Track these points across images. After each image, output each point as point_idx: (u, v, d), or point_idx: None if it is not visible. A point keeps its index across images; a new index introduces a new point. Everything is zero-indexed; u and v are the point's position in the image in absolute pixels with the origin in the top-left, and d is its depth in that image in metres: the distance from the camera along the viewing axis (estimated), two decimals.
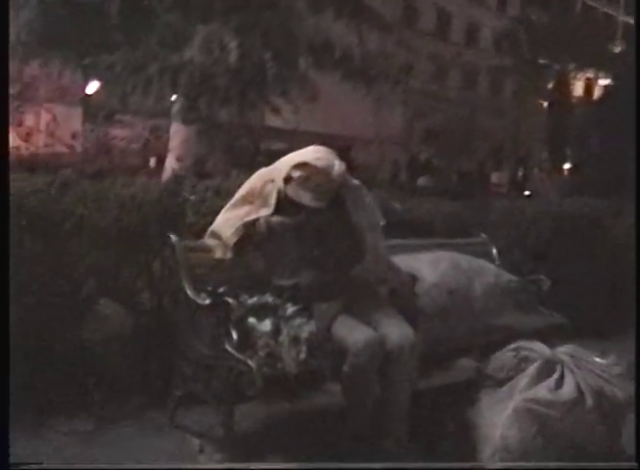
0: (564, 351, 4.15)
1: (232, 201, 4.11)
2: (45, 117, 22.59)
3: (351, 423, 3.89)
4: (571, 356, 4.10)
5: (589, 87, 23.63)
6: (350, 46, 10.92)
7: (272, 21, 10.06)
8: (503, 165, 32.77)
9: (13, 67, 17.25)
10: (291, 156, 4.06)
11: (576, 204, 7.88)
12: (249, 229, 3.97)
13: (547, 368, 3.97)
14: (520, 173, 29.00)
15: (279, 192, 3.93)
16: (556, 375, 3.93)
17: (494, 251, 5.75)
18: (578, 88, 24.84)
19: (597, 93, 21.92)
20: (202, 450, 3.93)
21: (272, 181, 3.99)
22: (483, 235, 5.91)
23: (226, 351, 3.64)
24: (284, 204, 3.94)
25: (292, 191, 3.91)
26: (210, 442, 3.97)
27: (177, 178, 5.37)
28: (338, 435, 3.91)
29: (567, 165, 19.28)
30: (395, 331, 3.78)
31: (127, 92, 10.91)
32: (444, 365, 5.06)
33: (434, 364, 4.88)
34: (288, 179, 3.92)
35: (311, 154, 3.98)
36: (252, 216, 3.96)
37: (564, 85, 23.72)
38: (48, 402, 4.15)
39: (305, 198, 3.89)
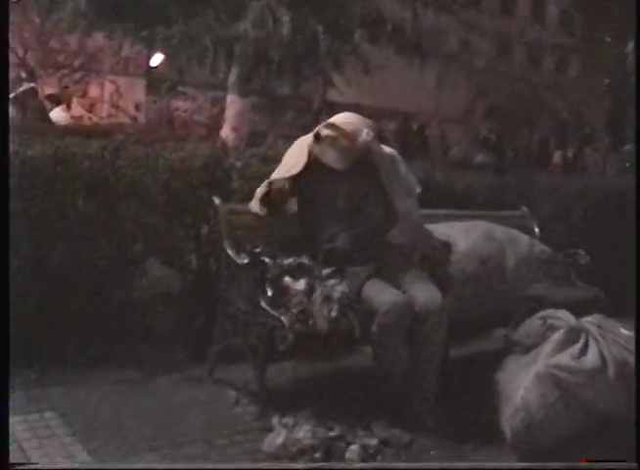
0: (590, 320, 4.25)
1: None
2: (109, 88, 22.97)
3: (380, 383, 4.08)
4: (597, 326, 4.20)
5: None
6: (403, 21, 10.99)
7: None
8: (566, 145, 32.34)
9: (75, 38, 17.69)
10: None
11: (621, 181, 7.91)
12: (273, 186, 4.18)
13: (572, 336, 4.08)
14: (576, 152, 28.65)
15: (309, 151, 4.11)
16: (580, 343, 4.03)
17: (534, 224, 5.87)
18: None
19: None
20: (237, 402, 4.16)
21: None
22: (524, 208, 6.02)
23: (261, 307, 3.86)
24: (312, 164, 4.13)
25: (318, 149, 4.11)
26: (246, 395, 4.20)
27: (224, 145, 5.55)
28: (367, 395, 4.12)
29: (627, 146, 19.10)
30: (424, 294, 3.96)
31: (183, 64, 11.19)
32: (476, 334, 5.24)
33: (467, 333, 5.07)
34: (317, 138, 4.09)
35: (343, 118, 4.17)
36: (279, 175, 4.15)
37: (627, 64, 23.34)
38: (99, 354, 4.40)
39: (329, 157, 4.10)
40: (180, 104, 24.47)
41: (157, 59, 18.27)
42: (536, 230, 5.82)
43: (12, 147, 4.16)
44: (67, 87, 20.09)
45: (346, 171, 4.17)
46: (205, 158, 4.88)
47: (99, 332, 4.47)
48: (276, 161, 4.77)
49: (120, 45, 13.72)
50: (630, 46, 23.29)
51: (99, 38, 15.58)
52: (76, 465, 2.97)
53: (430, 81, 16.57)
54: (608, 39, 24.43)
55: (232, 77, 10.92)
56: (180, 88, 22.82)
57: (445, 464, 3.15)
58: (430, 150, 18.60)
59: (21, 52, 18.22)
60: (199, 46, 10.37)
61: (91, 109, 22.12)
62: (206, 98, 23.63)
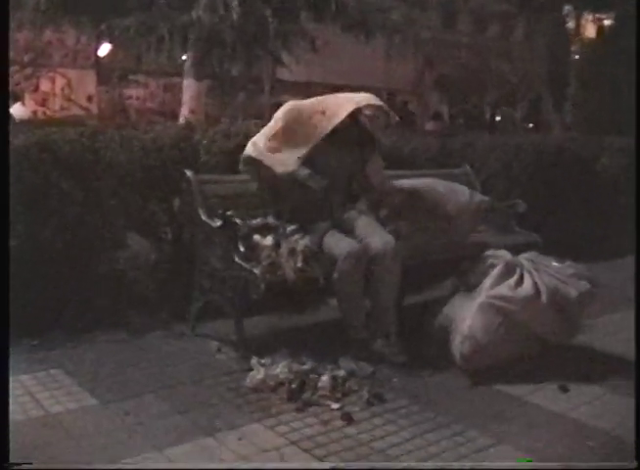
0: (525, 256, 4.85)
1: (266, 132, 4.77)
2: (60, 81, 23.03)
3: (345, 325, 4.63)
4: (531, 261, 4.80)
5: (589, 29, 23.86)
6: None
7: None
8: (515, 108, 32.97)
9: (23, 35, 17.87)
10: (348, 96, 4.87)
11: (559, 139, 8.51)
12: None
13: (509, 270, 4.66)
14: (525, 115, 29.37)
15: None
16: (516, 276, 4.62)
17: (476, 179, 6.44)
18: (583, 30, 25.06)
19: (596, 34, 22.22)
20: (219, 350, 4.69)
21: (323, 113, 4.72)
22: (467, 166, 6.58)
23: (235, 262, 4.40)
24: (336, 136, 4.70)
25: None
26: (227, 344, 4.73)
27: (190, 124, 6.02)
28: (334, 338, 4.67)
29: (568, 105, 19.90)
30: (377, 239, 4.56)
31: (142, 52, 11.62)
32: (429, 284, 5.78)
33: (420, 282, 5.61)
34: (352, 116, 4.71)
35: (375, 99, 4.80)
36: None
37: (564, 27, 24.08)
38: (89, 317, 4.88)
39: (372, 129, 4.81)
40: (132, 92, 24.57)
41: (104, 48, 18.50)
42: (478, 185, 6.36)
43: None
44: (18, 83, 20.21)
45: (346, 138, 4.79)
46: (173, 137, 5.35)
47: (89, 300, 4.95)
48: (237, 136, 5.31)
49: (78, 38, 13.99)
50: (567, 9, 23.97)
51: (48, 33, 15.81)
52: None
53: (378, 56, 17.04)
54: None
55: (187, 62, 11.38)
56: (131, 77, 22.98)
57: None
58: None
59: None
60: (155, 34, 10.81)
61: (44, 103, 22.26)
62: (158, 85, 23.82)
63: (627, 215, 7.78)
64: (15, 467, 2.80)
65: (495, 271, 4.64)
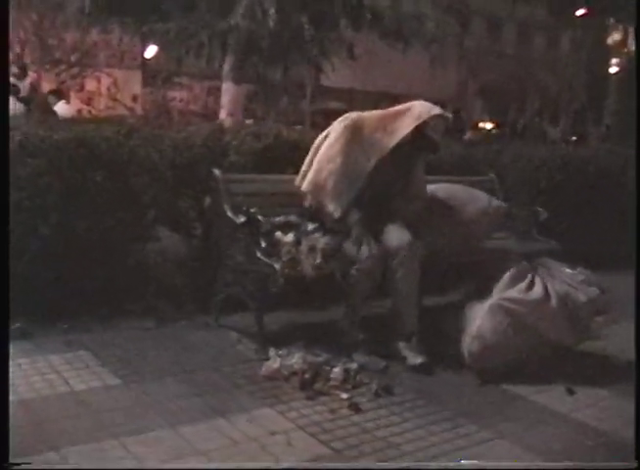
0: (538, 262, 5.02)
1: (325, 155, 4.94)
2: (105, 81, 23.48)
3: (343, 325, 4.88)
4: (543, 266, 4.97)
5: (630, 42, 23.86)
6: (381, 8, 11.68)
7: None
8: (558, 120, 32.95)
9: (71, 35, 18.31)
10: (407, 108, 4.95)
11: (585, 151, 8.64)
12: None
13: (520, 274, 4.83)
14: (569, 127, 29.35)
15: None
16: (527, 280, 4.80)
17: (500, 188, 6.60)
18: (623, 43, 25.05)
19: (636, 47, 22.23)
20: (239, 341, 4.91)
21: (384, 129, 4.90)
22: (491, 174, 6.75)
23: (257, 257, 4.62)
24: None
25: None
26: (247, 335, 4.95)
27: (221, 125, 6.26)
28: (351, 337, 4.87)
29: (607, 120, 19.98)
30: (394, 235, 4.80)
31: (182, 56, 11.96)
32: (449, 288, 5.94)
33: (441, 285, 5.77)
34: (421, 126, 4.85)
35: (435, 108, 4.90)
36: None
37: (605, 40, 24.14)
38: (119, 306, 5.13)
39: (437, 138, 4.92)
40: (176, 94, 24.96)
41: (151, 50, 18.85)
42: (501, 194, 6.52)
43: (39, 133, 4.92)
44: (64, 82, 20.67)
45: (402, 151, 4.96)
46: (204, 137, 5.59)
47: (119, 289, 5.20)
48: (267, 137, 5.53)
49: (121, 39, 14.38)
50: (611, 20, 23.98)
51: (94, 33, 16.19)
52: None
53: (421, 65, 17.23)
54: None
55: (226, 67, 11.69)
56: (176, 79, 23.39)
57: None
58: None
59: (18, 49, 18.80)
60: (195, 39, 11.14)
61: (89, 102, 22.73)
62: (202, 88, 24.21)
63: None
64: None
65: (507, 275, 4.81)
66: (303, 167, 5.03)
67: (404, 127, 4.83)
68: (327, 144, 4.91)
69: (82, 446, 3.33)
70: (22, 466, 2.84)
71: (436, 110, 4.87)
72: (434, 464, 3.37)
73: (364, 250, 4.67)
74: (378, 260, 4.68)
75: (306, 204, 4.99)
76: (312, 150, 5.03)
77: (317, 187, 4.89)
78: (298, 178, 5.04)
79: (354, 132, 4.87)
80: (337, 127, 4.92)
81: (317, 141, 5.03)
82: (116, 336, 4.85)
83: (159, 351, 4.66)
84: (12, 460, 2.84)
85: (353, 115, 4.99)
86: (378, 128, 4.88)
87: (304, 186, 4.94)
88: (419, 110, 4.86)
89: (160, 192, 5.43)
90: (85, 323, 4.94)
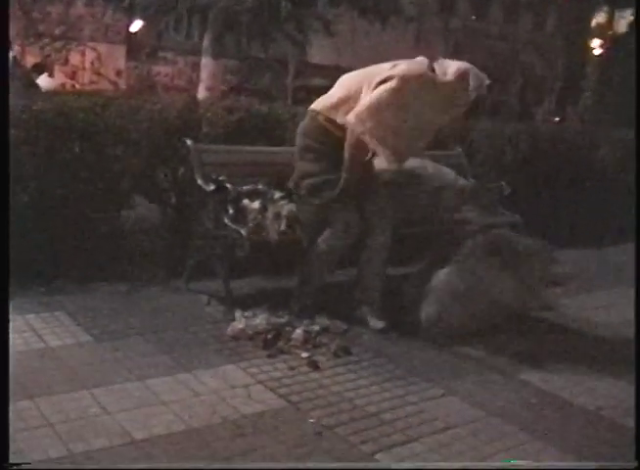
0: (497, 232, 5.27)
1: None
2: (90, 55, 23.43)
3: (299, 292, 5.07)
4: (502, 237, 5.23)
5: (609, 25, 24.06)
6: None
7: None
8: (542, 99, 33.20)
9: (56, 8, 18.33)
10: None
11: (554, 128, 8.88)
12: None
13: (479, 244, 5.08)
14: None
15: None
16: (484, 249, 5.04)
17: (467, 162, 6.83)
18: (603, 27, 25.26)
19: (614, 31, 22.52)
20: (208, 303, 5.14)
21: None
22: (458, 149, 6.97)
23: (225, 223, 4.86)
24: None
25: None
26: (215, 299, 5.18)
27: (195, 98, 6.46)
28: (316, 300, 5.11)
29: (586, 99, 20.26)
30: (373, 211, 4.95)
31: (163, 30, 12.13)
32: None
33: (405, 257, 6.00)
34: None
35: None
36: None
37: (586, 23, 24.37)
38: (94, 270, 5.35)
39: None
40: (161, 69, 24.95)
41: (136, 25, 18.91)
42: (469, 168, 6.76)
43: (21, 102, 5.11)
44: (48, 56, 20.68)
45: None
46: (179, 109, 5.79)
47: (94, 254, 5.42)
48: (239, 111, 5.74)
49: (103, 12, 14.48)
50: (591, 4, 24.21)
51: (79, 7, 16.23)
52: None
53: (407, 44, 17.42)
54: None
55: (205, 42, 11.85)
56: (160, 54, 23.42)
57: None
58: None
59: None
60: (175, 13, 11.30)
61: (73, 76, 22.73)
62: (187, 62, 24.23)
63: (618, 206, 8.22)
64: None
65: (466, 244, 5.05)
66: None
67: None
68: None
69: (54, 396, 3.55)
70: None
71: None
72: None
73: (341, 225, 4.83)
74: (355, 236, 4.86)
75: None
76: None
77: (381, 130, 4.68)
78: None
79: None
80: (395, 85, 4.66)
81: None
82: (91, 298, 5.07)
83: (130, 312, 4.88)
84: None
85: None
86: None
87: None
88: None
89: (135, 161, 5.61)
90: (62, 286, 5.17)
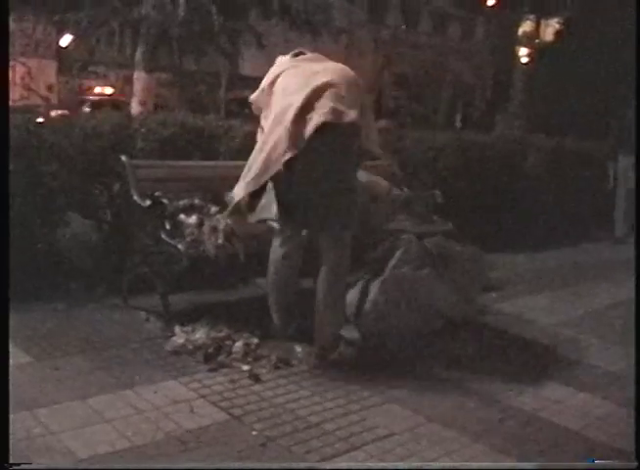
0: (429, 240, 5.35)
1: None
2: (20, 70, 23.13)
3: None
4: (436, 245, 5.30)
5: (538, 33, 24.48)
6: None
7: None
8: (471, 107, 33.71)
9: None
10: None
11: (484, 136, 9.08)
12: None
13: (413, 252, 5.15)
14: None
15: None
16: (419, 257, 5.12)
17: (399, 171, 6.93)
18: (531, 34, 25.68)
19: (542, 38, 22.98)
20: (147, 319, 5.13)
21: None
22: (391, 159, 7.07)
23: (162, 239, 4.86)
24: None
25: None
26: (154, 315, 5.17)
27: (129, 113, 6.45)
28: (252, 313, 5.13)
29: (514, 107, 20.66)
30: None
31: (94, 45, 12.08)
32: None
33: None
34: None
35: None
36: None
37: (513, 31, 24.79)
38: (32, 290, 5.29)
39: None
40: (92, 83, 24.77)
41: (66, 39, 18.75)
42: (401, 177, 6.86)
43: None
44: None
45: None
46: (113, 124, 5.78)
47: (30, 272, 5.35)
48: (174, 125, 5.75)
49: (33, 28, 14.36)
50: (524, 10, 24.69)
51: (8, 22, 15.99)
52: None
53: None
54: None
55: (138, 55, 11.83)
56: (91, 68, 23.24)
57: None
58: None
59: None
60: (106, 28, 11.27)
61: None
62: (118, 76, 24.08)
63: (547, 211, 8.42)
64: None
65: (399, 252, 5.12)
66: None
67: None
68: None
69: None
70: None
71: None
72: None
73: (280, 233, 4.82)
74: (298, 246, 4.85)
75: None
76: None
77: None
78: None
79: None
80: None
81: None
82: (28, 318, 5.01)
83: (68, 330, 4.87)
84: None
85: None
86: None
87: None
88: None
89: (69, 178, 5.58)
90: None
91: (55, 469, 3.09)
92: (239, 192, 4.71)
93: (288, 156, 4.40)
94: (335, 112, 4.39)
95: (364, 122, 4.59)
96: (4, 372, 3.03)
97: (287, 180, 4.57)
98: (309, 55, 4.87)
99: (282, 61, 4.84)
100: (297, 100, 4.44)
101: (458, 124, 25.93)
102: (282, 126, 4.43)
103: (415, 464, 3.43)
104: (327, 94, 4.47)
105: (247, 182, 4.63)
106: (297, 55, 4.85)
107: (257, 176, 4.56)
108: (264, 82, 4.75)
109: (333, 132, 4.41)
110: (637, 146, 7.98)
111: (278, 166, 4.46)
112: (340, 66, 4.80)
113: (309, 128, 4.37)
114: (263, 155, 4.51)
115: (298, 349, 4.66)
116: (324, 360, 4.56)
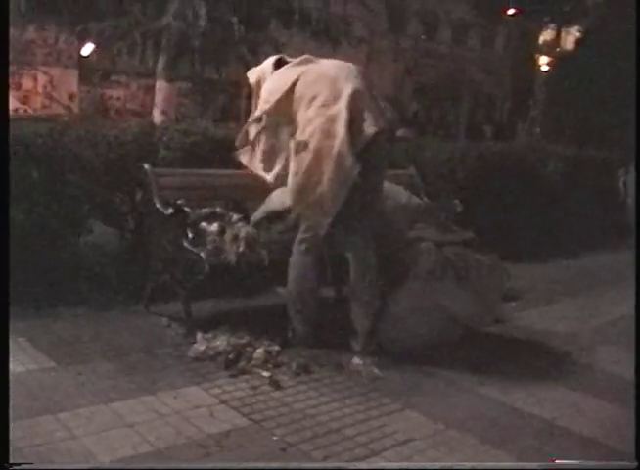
0: (449, 249, 5.38)
1: None
2: (42, 79, 23.24)
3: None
4: (456, 254, 5.33)
5: (558, 43, 24.51)
6: (310, 9, 12.02)
7: None
8: (493, 118, 33.66)
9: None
10: None
11: (504, 146, 9.10)
12: None
13: (435, 262, 5.18)
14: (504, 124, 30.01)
15: None
16: (441, 266, 5.15)
17: (420, 180, 6.97)
18: (550, 44, 25.68)
19: (568, 46, 22.97)
20: (169, 326, 5.19)
21: None
22: (412, 168, 7.11)
23: (184, 246, 4.91)
24: None
25: None
26: (176, 321, 5.23)
27: (151, 122, 6.53)
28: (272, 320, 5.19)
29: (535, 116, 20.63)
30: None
31: (116, 54, 12.20)
32: None
33: None
34: None
35: None
36: None
37: (533, 41, 24.81)
38: (54, 296, 5.37)
39: None
40: (113, 92, 24.86)
41: (88, 48, 18.86)
42: (422, 187, 6.89)
43: None
44: None
45: None
46: (135, 134, 5.85)
47: (55, 279, 5.43)
48: (195, 134, 5.82)
49: (56, 38, 14.48)
50: (544, 19, 24.67)
51: (30, 31, 16.14)
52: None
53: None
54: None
55: (160, 65, 11.95)
56: (113, 77, 23.36)
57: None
58: None
59: None
60: (129, 38, 11.38)
61: (25, 101, 22.54)
62: (139, 86, 24.19)
63: (565, 219, 8.43)
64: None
65: (422, 262, 5.15)
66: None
67: None
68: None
69: (18, 421, 3.55)
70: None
71: None
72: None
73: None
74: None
75: None
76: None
77: None
78: None
79: None
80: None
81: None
82: (53, 323, 5.10)
83: (92, 336, 4.93)
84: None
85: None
86: None
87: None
88: None
89: (93, 187, 5.65)
90: (24, 312, 5.15)
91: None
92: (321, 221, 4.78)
93: (357, 170, 4.57)
94: (384, 120, 4.52)
95: None
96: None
97: None
98: (302, 58, 5.06)
99: (289, 68, 4.95)
100: (342, 111, 4.57)
101: (488, 133, 25.84)
102: (336, 139, 4.56)
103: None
104: (365, 103, 4.66)
105: (325, 211, 4.71)
106: (279, 61, 5.08)
107: (335, 198, 4.66)
108: (281, 90, 4.80)
109: (377, 140, 4.63)
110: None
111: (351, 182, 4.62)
112: (337, 63, 5.04)
113: (364, 138, 4.58)
114: (328, 174, 4.61)
115: (358, 361, 4.71)
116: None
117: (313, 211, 4.76)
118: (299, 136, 4.72)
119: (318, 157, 4.62)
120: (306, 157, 4.66)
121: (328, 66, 4.92)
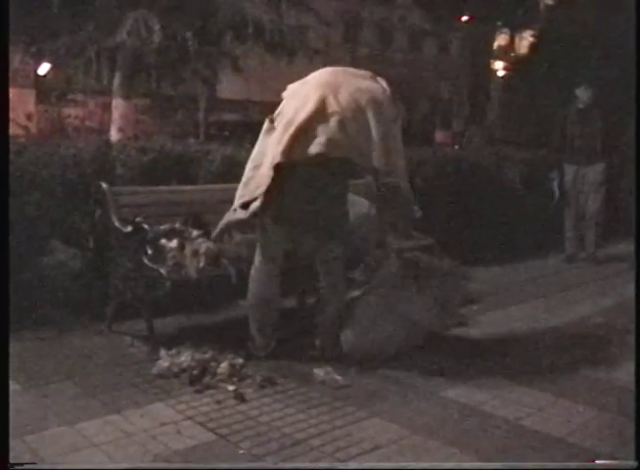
0: (410, 255, 5.44)
1: None
2: None
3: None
4: (415, 260, 5.39)
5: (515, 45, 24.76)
6: (264, 21, 12.03)
7: (192, 3, 11.35)
8: (449, 123, 33.88)
9: None
10: None
11: (460, 151, 9.19)
12: None
13: (394, 268, 5.24)
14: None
15: None
16: (400, 272, 5.21)
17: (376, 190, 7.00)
18: (505, 49, 25.94)
19: (523, 50, 23.21)
20: (132, 344, 5.19)
21: None
22: (369, 177, 7.14)
23: (144, 264, 4.91)
24: None
25: None
26: (139, 339, 5.24)
27: (108, 141, 6.53)
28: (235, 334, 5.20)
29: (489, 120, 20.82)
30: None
31: (72, 73, 12.14)
32: None
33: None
34: None
35: None
36: None
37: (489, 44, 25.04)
38: (16, 318, 5.32)
39: None
40: (71, 111, 24.73)
41: (44, 67, 18.77)
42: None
43: None
44: None
45: None
46: (92, 152, 5.85)
47: (15, 301, 5.38)
48: (152, 151, 5.83)
49: (17, 57, 14.37)
50: (498, 24, 24.91)
51: None
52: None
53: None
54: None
55: (116, 82, 11.92)
56: (70, 96, 23.24)
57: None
58: None
59: None
60: (83, 56, 11.33)
61: None
62: (97, 104, 24.08)
63: (525, 223, 8.52)
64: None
65: (382, 269, 5.21)
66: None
67: None
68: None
69: None
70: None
71: None
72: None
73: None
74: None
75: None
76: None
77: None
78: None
79: None
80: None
81: None
82: (15, 346, 5.04)
83: (55, 357, 4.93)
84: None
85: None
86: None
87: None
88: None
89: (51, 207, 5.64)
90: None
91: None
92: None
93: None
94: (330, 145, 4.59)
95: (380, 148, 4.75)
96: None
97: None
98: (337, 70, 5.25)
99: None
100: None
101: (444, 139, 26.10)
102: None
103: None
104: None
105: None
106: None
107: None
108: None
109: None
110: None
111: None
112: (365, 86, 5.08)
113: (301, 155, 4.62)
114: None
115: (322, 371, 4.73)
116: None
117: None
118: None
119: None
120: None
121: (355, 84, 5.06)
